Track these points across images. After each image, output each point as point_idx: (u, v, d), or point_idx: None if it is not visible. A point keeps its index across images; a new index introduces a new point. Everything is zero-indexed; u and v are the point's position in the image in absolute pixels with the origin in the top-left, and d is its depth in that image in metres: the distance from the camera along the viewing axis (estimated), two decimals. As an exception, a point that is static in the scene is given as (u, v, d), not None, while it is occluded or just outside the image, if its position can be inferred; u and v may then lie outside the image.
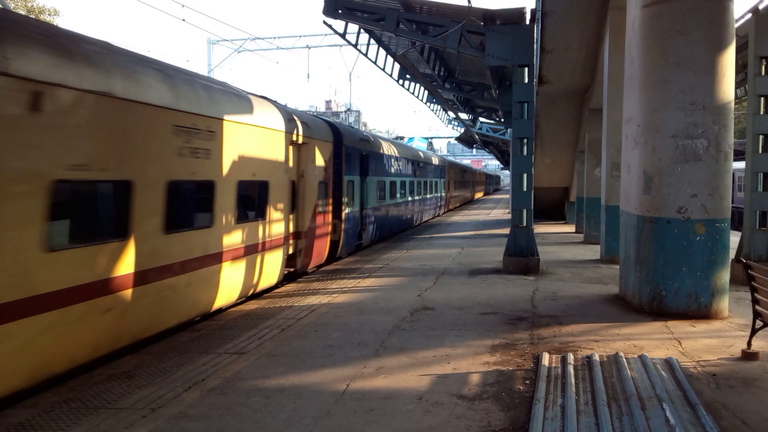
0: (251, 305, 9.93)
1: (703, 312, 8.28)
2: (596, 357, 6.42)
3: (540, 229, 21.71)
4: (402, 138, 60.10)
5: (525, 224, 12.92)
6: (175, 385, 5.96)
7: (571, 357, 6.45)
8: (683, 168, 8.37)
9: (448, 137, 73.52)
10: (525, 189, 13.02)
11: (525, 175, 13.01)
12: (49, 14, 31.52)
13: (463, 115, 34.87)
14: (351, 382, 5.94)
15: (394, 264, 14.23)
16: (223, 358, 6.84)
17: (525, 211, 13.03)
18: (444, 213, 35.79)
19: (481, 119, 35.21)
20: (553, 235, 21.23)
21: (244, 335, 7.83)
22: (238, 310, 9.64)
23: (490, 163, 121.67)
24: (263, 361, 6.70)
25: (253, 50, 34.10)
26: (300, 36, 35.57)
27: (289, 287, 11.52)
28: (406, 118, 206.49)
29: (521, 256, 12.72)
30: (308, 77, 60.80)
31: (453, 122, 44.80)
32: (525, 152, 12.99)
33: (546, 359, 6.44)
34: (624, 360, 6.28)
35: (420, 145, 61.21)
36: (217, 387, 5.90)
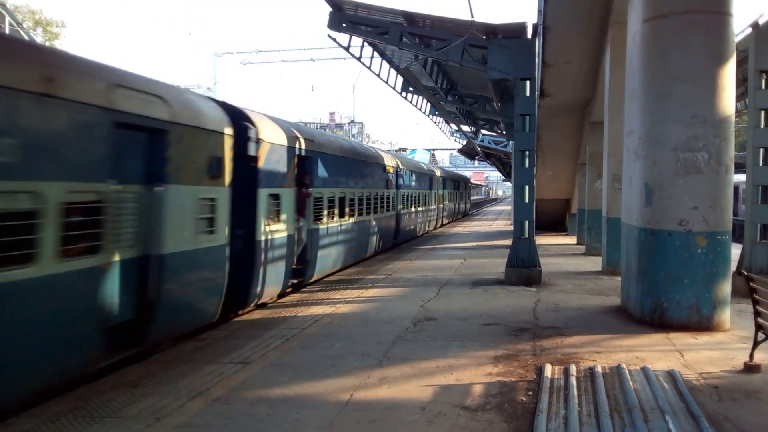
0: (255, 315, 9.98)
1: (704, 324, 8.31)
2: (599, 368, 6.45)
3: (541, 240, 21.69)
4: (404, 150, 60.16)
5: (527, 236, 12.97)
6: (180, 394, 6.00)
7: (573, 368, 6.48)
8: (684, 181, 8.43)
9: (450, 149, 73.68)
10: (527, 201, 13.08)
11: (527, 187, 13.07)
12: (57, 26, 31.79)
13: (465, 128, 34.99)
14: (354, 393, 5.98)
15: (396, 275, 14.27)
16: (228, 367, 6.88)
17: (527, 222, 13.09)
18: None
19: (483, 131, 35.36)
20: (555, 247, 21.26)
21: (248, 345, 7.87)
22: (243, 319, 9.68)
23: (492, 175, 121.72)
24: (267, 371, 6.74)
25: (258, 63, 34.29)
26: (304, 49, 35.82)
27: (293, 297, 11.56)
28: (409, 129, 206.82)
29: (523, 268, 12.75)
30: (312, 89, 61.17)
31: (455, 134, 44.94)
32: (527, 164, 13.06)
33: (548, 370, 6.47)
34: (626, 372, 6.31)
35: (423, 157, 61.13)
36: (222, 397, 5.93)
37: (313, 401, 5.79)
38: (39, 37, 29.73)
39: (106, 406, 5.72)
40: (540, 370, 6.52)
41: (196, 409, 5.62)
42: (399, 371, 6.67)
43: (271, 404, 5.71)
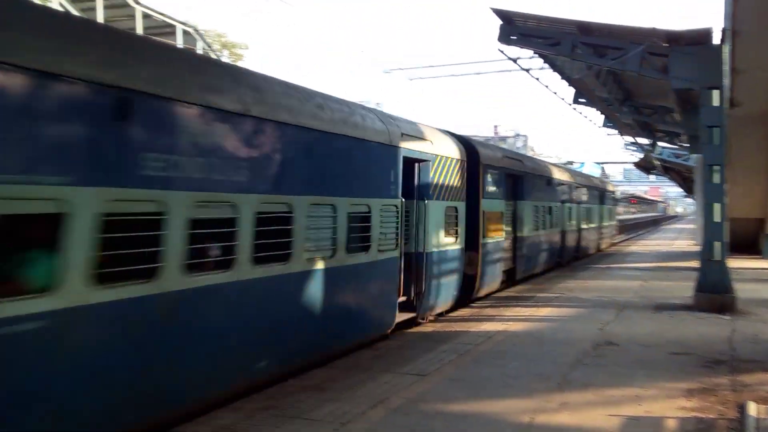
0: (428, 327, 10.14)
1: None
2: (815, 411, 5.71)
3: (732, 263, 19.73)
4: (571, 163, 58.00)
5: (718, 258, 11.90)
6: (361, 401, 6.21)
7: (783, 408, 5.79)
8: None
9: (623, 162, 69.84)
10: (717, 220, 12.01)
11: (717, 205, 12.01)
12: (241, 48, 34.88)
13: (642, 140, 33.01)
14: (535, 416, 5.81)
15: (570, 294, 13.80)
16: (405, 378, 7.03)
17: (717, 243, 12.00)
18: None
19: (661, 144, 33.09)
20: (749, 271, 19.17)
21: (422, 357, 8.00)
22: (415, 331, 9.87)
23: (670, 191, 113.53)
24: (444, 385, 6.79)
25: (426, 78, 34.89)
26: (470, 63, 36.00)
27: (463, 312, 11.60)
28: (577, 142, 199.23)
29: (714, 293, 11.69)
30: (476, 101, 61.25)
31: (629, 147, 42.44)
32: (716, 180, 12.02)
33: (753, 409, 5.83)
34: None
35: (592, 171, 58.50)
36: (401, 407, 6.06)
37: (491, 421, 5.73)
38: (225, 58, 32.72)
39: (295, 407, 6.08)
40: (742, 408, 5.90)
41: (376, 417, 5.79)
42: (581, 397, 6.40)
43: (449, 419, 5.74)
